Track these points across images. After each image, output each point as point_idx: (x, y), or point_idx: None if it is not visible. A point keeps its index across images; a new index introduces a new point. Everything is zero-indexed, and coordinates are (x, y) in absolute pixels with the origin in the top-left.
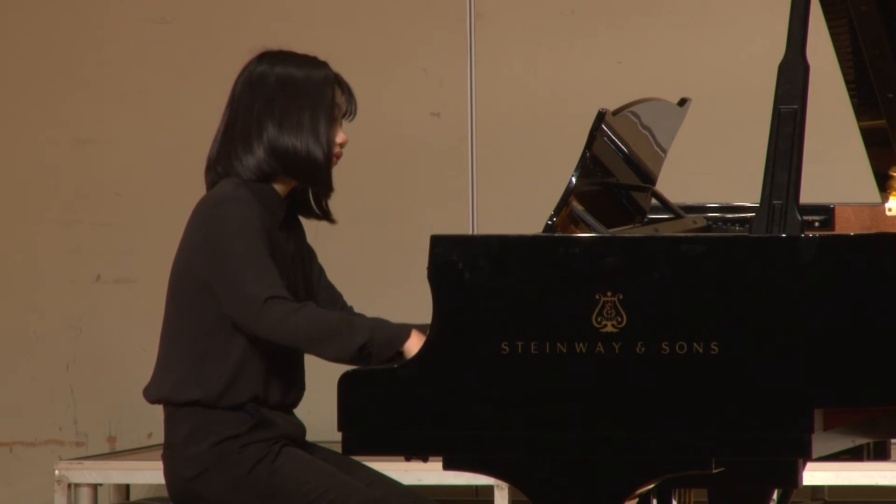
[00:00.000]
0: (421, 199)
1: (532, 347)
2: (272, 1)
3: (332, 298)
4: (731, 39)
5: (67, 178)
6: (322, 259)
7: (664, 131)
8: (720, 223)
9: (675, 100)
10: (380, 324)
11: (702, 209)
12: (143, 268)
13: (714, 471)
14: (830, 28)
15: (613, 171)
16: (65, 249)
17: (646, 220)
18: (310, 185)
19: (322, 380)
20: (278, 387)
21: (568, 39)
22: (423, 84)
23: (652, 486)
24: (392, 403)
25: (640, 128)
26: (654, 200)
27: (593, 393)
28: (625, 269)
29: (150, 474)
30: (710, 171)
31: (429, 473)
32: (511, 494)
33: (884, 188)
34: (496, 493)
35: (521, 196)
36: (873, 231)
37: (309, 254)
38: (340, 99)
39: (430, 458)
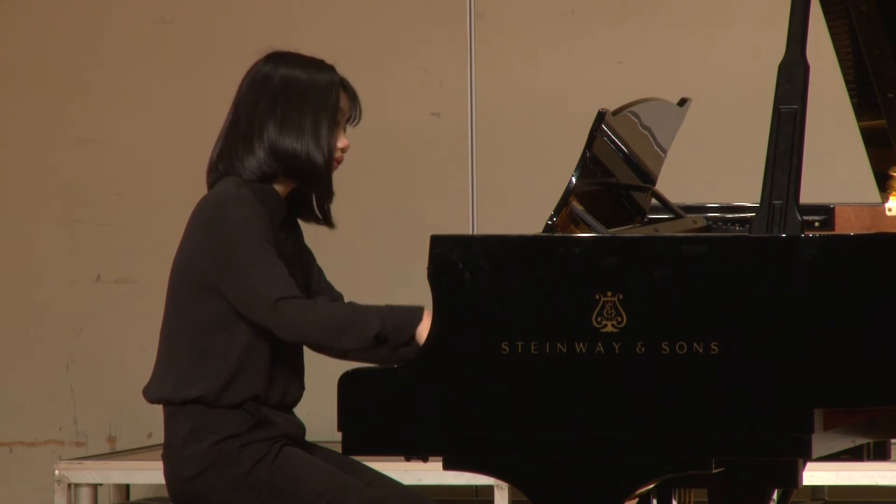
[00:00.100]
0: (421, 199)
1: (532, 347)
2: (272, 1)
3: (333, 299)
4: (731, 39)
5: (67, 178)
6: (322, 259)
7: (664, 131)
8: (720, 223)
9: (675, 100)
10: (389, 310)
11: (702, 209)
12: (143, 268)
13: (714, 471)
14: (830, 28)
15: (613, 171)
16: (65, 249)
17: (646, 220)
18: (309, 188)
19: (322, 380)
20: (278, 386)
21: (568, 39)
22: (423, 84)
23: (652, 486)
24: (392, 403)
25: (640, 128)
26: (654, 200)
27: (593, 393)
28: (625, 269)
29: (150, 474)
30: (710, 171)
31: (429, 473)
32: (511, 494)
33: (884, 188)
34: (496, 493)
35: (521, 196)
36: (873, 231)
37: (308, 255)
38: (345, 104)
39: (430, 458)
